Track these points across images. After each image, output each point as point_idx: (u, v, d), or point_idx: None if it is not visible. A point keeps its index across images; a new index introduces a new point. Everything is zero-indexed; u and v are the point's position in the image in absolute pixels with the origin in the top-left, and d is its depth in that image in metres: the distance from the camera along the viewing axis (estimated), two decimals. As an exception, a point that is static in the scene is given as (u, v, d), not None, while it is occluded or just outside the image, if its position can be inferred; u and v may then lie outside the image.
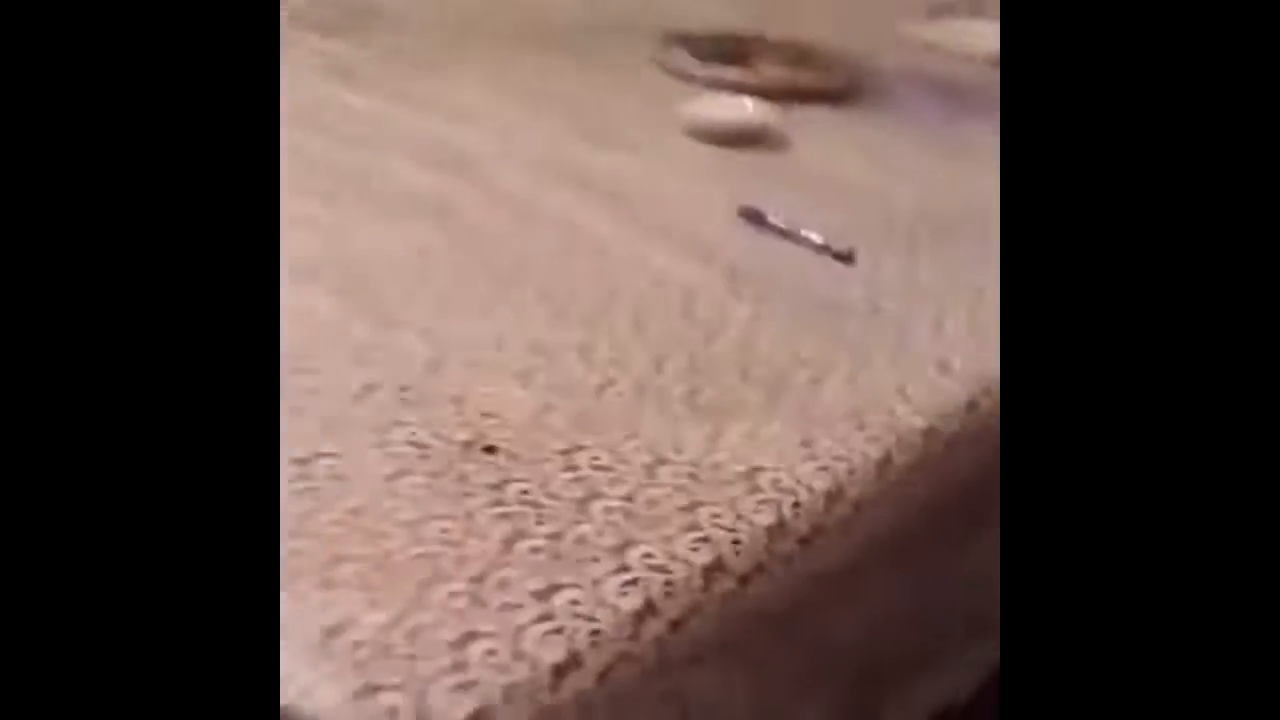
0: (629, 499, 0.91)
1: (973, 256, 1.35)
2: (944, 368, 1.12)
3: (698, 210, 1.40)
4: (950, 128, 1.78)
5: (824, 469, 0.96)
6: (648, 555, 0.85)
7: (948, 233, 1.41)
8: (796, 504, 0.92)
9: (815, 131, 1.67)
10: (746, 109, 1.66)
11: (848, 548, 0.96)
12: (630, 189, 1.44)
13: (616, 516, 0.88)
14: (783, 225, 1.36)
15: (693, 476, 0.93)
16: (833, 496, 0.94)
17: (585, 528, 0.87)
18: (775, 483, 0.94)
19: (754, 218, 1.38)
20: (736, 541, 0.88)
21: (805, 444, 0.98)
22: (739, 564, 0.87)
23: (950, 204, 1.50)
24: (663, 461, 0.95)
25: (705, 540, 0.87)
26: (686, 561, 0.85)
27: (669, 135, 1.61)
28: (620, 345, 1.10)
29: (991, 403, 1.10)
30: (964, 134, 1.76)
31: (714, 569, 0.86)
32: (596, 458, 0.94)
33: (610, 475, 0.92)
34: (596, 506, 0.89)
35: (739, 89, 1.72)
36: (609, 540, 0.86)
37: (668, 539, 0.87)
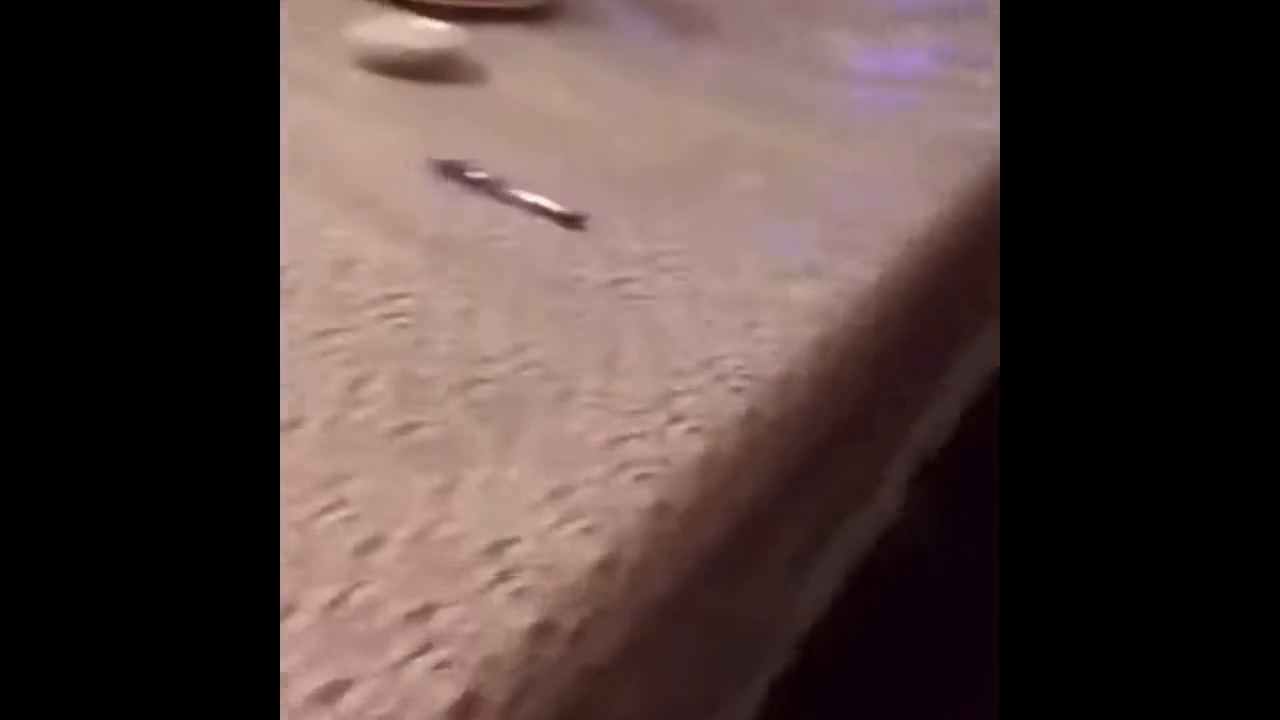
0: (335, 606, 0.65)
1: (715, 213, 1.14)
2: (712, 368, 0.90)
3: (383, 164, 1.14)
4: (662, 51, 1.57)
5: (588, 531, 0.73)
6: (367, 701, 0.60)
7: (681, 183, 1.20)
8: (560, 588, 0.69)
9: (513, 59, 1.42)
10: (429, 32, 1.39)
11: (624, 625, 0.74)
12: (296, 137, 1.16)
13: (316, 640, 0.63)
14: (491, 183, 1.11)
15: (419, 563, 0.69)
16: (605, 569, 0.72)
17: (275, 663, 0.61)
18: (529, 560, 0.70)
19: (454, 173, 1.12)
20: (489, 660, 0.64)
21: (559, 495, 0.75)
22: (497, 691, 0.63)
23: (677, 147, 1.28)
24: (376, 543, 0.70)
25: (445, 666, 0.63)
26: (424, 701, 0.61)
27: (337, 66, 1.33)
28: (302, 364, 0.83)
29: (774, 410, 0.89)
30: (678, 59, 1.55)
31: (462, 710, 0.62)
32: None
33: (303, 572, 0.67)
34: (288, 626, 0.63)
35: (418, 7, 1.45)
36: (307, 684, 0.61)
37: (395, 669, 0.62)
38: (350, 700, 0.60)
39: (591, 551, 0.72)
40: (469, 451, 0.77)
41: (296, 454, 0.75)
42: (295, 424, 0.77)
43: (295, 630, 0.63)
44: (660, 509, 0.77)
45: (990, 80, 1.62)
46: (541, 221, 1.06)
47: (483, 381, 0.84)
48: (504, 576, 0.68)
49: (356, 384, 0.82)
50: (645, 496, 0.77)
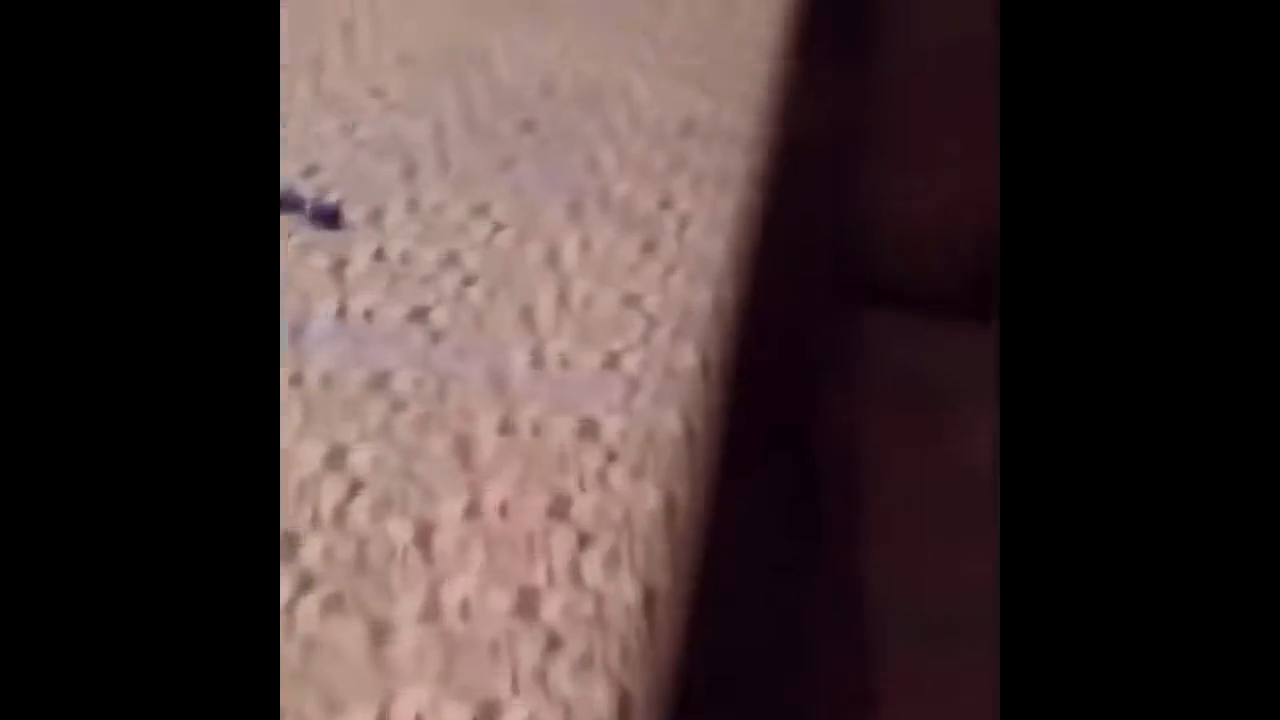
0: None
1: (512, 172, 0.87)
2: (597, 440, 0.65)
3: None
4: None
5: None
6: None
7: (448, 123, 0.91)
8: None
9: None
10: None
11: None
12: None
13: None
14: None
15: None
16: None
17: None
18: None
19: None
20: None
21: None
22: None
23: (425, 45, 0.99)
24: None
25: None
26: None
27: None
28: None
29: (686, 488, 0.65)
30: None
31: None
32: None
33: None
34: None
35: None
36: None
37: None
38: None
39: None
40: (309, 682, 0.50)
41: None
42: None
43: None
44: (623, 712, 0.52)
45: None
46: (284, 221, 0.77)
47: (299, 544, 0.56)
48: None
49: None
50: (600, 697, 0.52)
